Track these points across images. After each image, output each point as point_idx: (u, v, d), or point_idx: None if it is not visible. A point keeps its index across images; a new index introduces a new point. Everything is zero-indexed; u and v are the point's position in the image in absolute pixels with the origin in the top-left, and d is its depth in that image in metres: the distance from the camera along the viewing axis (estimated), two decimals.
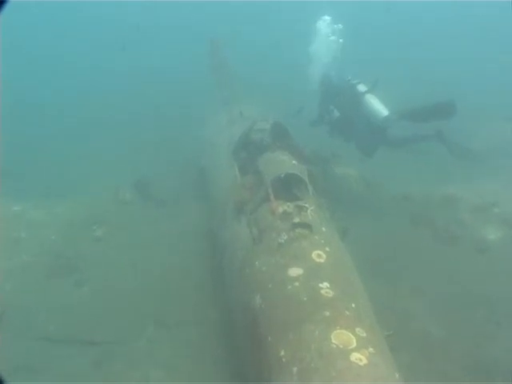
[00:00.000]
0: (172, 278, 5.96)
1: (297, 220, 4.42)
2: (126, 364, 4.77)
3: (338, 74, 8.11)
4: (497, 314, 5.25)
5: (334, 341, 3.21)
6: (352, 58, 9.00)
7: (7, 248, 6.59)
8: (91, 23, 24.30)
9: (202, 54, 11.61)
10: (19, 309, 5.43)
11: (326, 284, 3.74)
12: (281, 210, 4.58)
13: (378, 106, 7.32)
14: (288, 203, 4.64)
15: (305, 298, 3.63)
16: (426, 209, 7.47)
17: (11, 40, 18.48)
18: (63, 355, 4.83)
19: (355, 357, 3.07)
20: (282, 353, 3.32)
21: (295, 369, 3.13)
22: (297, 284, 3.77)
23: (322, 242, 4.26)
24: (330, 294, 3.64)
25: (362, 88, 7.59)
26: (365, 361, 3.04)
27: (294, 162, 5.31)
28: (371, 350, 3.16)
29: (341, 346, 3.16)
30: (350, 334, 3.27)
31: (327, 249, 4.17)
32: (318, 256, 4.06)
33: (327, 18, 9.05)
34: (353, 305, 3.62)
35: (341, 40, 8.78)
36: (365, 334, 3.31)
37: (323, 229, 4.49)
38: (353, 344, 3.19)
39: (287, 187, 4.96)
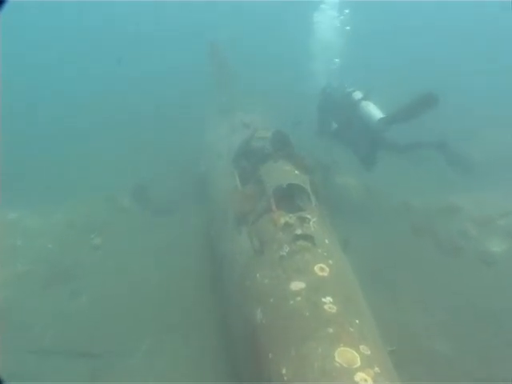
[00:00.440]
0: (170, 288, 5.86)
1: (299, 232, 4.32)
2: (123, 376, 4.66)
3: (338, 86, 8.11)
4: (504, 330, 5.10)
5: (337, 359, 3.12)
6: (354, 61, 9.00)
7: (2, 256, 6.46)
8: (91, 23, 24.32)
9: (202, 55, 11.58)
10: (13, 319, 5.31)
11: (329, 299, 3.64)
12: (282, 221, 4.48)
13: (373, 111, 7.45)
14: (290, 214, 4.55)
15: (307, 314, 3.53)
16: (427, 218, 7.38)
17: (11, 40, 18.48)
18: (58, 367, 4.73)
19: (360, 377, 2.98)
20: (284, 371, 3.22)
21: None
22: (299, 299, 3.68)
23: (325, 254, 4.17)
24: (334, 309, 3.55)
25: (357, 95, 7.70)
26: (370, 381, 2.94)
27: (296, 171, 5.23)
28: (376, 369, 3.06)
29: (345, 365, 3.07)
30: (355, 352, 3.18)
31: (330, 262, 4.08)
32: (321, 269, 3.96)
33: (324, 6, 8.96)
34: (357, 321, 3.52)
35: (347, 27, 8.68)
36: (369, 352, 3.21)
37: (326, 241, 4.40)
38: (357, 363, 3.09)
39: (289, 198, 4.87)
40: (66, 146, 11.13)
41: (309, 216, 4.55)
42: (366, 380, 2.95)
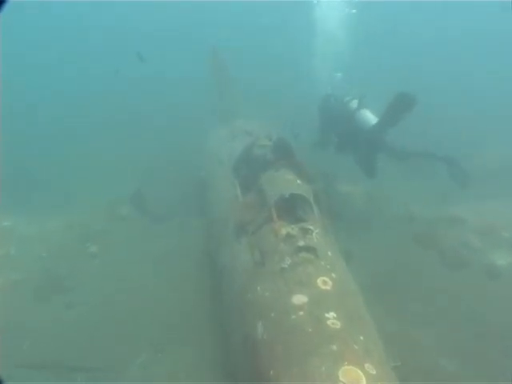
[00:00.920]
0: (169, 299, 5.68)
1: (301, 243, 4.21)
2: None
3: (338, 97, 8.10)
4: (510, 344, 4.89)
5: (341, 378, 3.00)
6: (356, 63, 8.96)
7: None
8: (92, 24, 24.28)
9: (202, 55, 11.55)
10: (3, 332, 5.05)
11: (332, 314, 3.52)
12: (284, 232, 4.37)
13: (369, 119, 7.51)
14: (292, 225, 4.43)
15: (310, 329, 3.41)
16: (429, 229, 7.29)
17: (11, 40, 18.41)
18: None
19: None
20: None
21: None
22: (301, 313, 3.56)
23: (328, 267, 4.05)
24: (337, 325, 3.43)
25: (354, 104, 7.76)
26: None
27: (298, 181, 5.11)
28: None
29: None
30: (359, 371, 3.06)
31: (333, 275, 3.96)
32: (324, 283, 3.85)
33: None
34: (361, 337, 3.41)
35: (354, 10, 8.55)
36: (374, 372, 3.10)
37: (329, 253, 4.29)
38: (362, 383, 2.99)
39: (291, 208, 4.73)
40: (65, 147, 11.04)
41: (311, 227, 4.43)
42: None
